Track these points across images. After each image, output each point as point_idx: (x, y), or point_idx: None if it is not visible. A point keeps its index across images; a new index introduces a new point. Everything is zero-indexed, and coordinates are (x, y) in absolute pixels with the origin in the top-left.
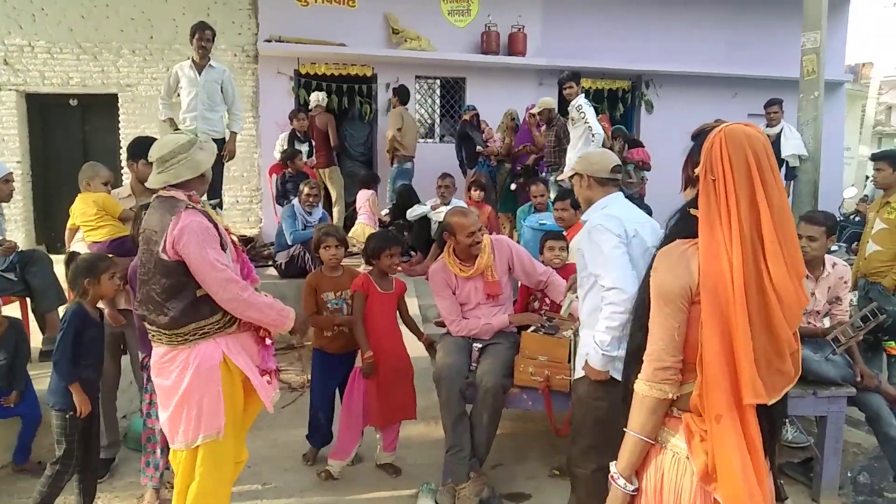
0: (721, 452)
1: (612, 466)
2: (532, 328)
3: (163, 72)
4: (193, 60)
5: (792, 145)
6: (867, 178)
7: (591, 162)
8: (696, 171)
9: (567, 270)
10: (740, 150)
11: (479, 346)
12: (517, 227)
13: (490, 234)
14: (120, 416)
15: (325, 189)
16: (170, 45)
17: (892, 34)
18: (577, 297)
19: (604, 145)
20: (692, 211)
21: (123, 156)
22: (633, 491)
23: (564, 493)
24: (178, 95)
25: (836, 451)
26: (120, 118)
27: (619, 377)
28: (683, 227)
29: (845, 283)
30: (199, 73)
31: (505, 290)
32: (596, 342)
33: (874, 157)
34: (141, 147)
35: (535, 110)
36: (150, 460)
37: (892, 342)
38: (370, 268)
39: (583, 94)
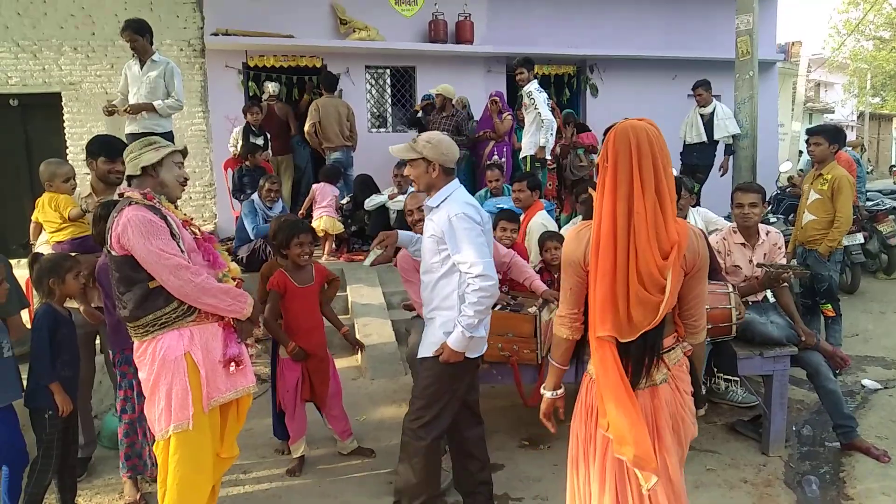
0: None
1: (542, 389)
2: (498, 306)
3: (107, 69)
4: (139, 57)
5: (723, 126)
6: (800, 152)
7: (442, 152)
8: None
9: (516, 250)
10: (625, 141)
11: None
12: None
13: None
14: (94, 416)
15: None
16: (113, 41)
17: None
18: (381, 253)
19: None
20: (590, 190)
21: (69, 156)
22: (559, 395)
23: (535, 461)
24: None
25: (781, 407)
26: (64, 117)
27: (472, 356)
28: (588, 209)
29: (780, 249)
30: (142, 69)
31: None
32: (463, 325)
33: (810, 132)
34: (99, 145)
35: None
36: (129, 452)
37: (829, 305)
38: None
39: (535, 81)
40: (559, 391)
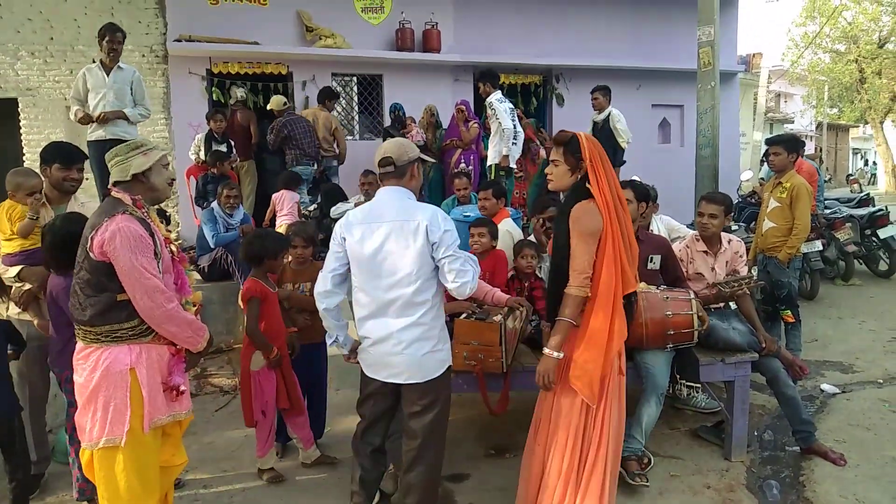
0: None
1: (545, 349)
2: (464, 315)
3: (66, 74)
4: (102, 62)
5: (621, 131)
6: (762, 161)
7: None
8: (582, 160)
9: (491, 257)
10: (595, 144)
11: None
12: None
13: None
14: (48, 430)
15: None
16: (72, 46)
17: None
18: None
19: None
20: (588, 185)
21: (27, 162)
22: (561, 356)
23: (501, 470)
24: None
25: (743, 413)
26: (21, 123)
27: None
28: (582, 192)
29: (741, 256)
30: (108, 75)
31: None
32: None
33: (769, 142)
34: (53, 152)
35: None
36: (81, 475)
37: (789, 311)
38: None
39: (498, 92)
40: (561, 354)
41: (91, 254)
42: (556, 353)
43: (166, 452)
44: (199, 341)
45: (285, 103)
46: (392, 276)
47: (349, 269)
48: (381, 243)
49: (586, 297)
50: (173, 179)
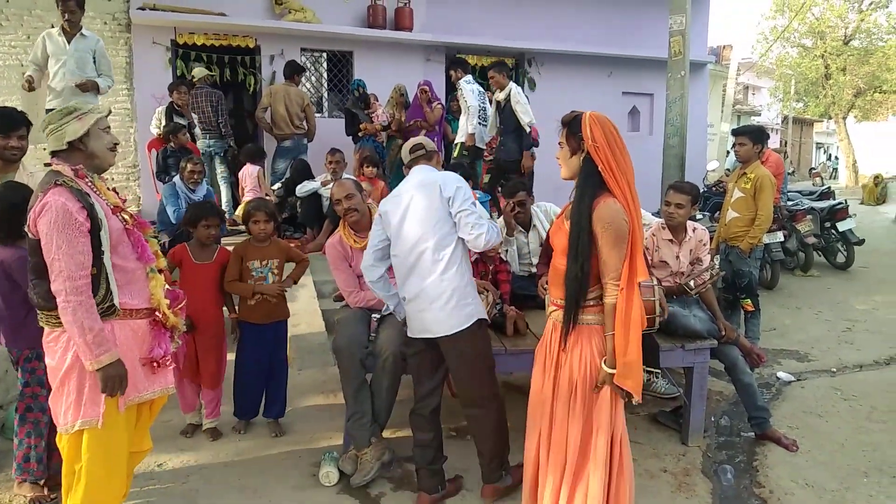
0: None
1: (603, 364)
2: None
3: (23, 39)
4: (63, 28)
5: (520, 112)
6: (728, 152)
7: (402, 155)
8: (584, 142)
9: None
10: (608, 125)
11: (378, 316)
12: None
13: None
14: None
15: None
16: (29, 10)
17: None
18: None
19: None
20: (599, 169)
21: None
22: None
23: (462, 451)
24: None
25: (701, 399)
26: None
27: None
28: (596, 181)
29: (704, 245)
30: (69, 42)
31: None
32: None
33: (735, 133)
34: None
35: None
36: (32, 454)
37: (749, 300)
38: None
39: (468, 76)
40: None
41: (29, 233)
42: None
43: (136, 436)
44: (93, 356)
45: (209, 76)
46: (414, 235)
47: (389, 244)
48: (406, 207)
49: None
50: (116, 143)
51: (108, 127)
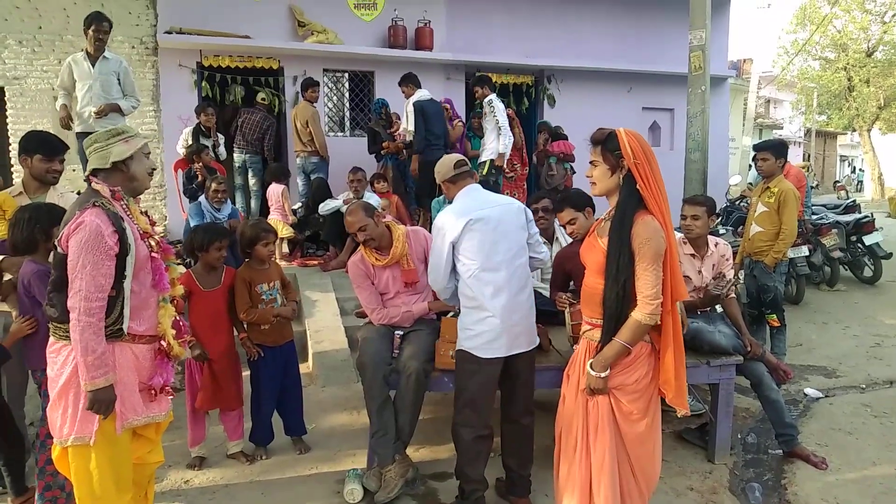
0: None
1: (588, 366)
2: (451, 314)
3: (54, 64)
4: (87, 52)
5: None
6: (750, 166)
7: (438, 170)
8: (624, 160)
9: None
10: (642, 142)
11: (401, 333)
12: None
13: (400, 223)
14: (28, 423)
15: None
16: (61, 35)
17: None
18: None
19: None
20: (638, 187)
21: (12, 152)
22: (606, 375)
23: (487, 470)
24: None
25: (727, 415)
26: (7, 112)
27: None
28: (637, 199)
29: (727, 260)
30: (93, 66)
31: (422, 279)
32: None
33: (757, 148)
34: (35, 141)
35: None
36: (52, 483)
37: (774, 315)
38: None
39: (493, 94)
40: (607, 372)
41: (60, 248)
42: (603, 374)
43: (140, 449)
44: (90, 378)
45: (262, 98)
46: (510, 250)
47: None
48: (497, 222)
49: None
50: (154, 168)
51: (150, 153)
